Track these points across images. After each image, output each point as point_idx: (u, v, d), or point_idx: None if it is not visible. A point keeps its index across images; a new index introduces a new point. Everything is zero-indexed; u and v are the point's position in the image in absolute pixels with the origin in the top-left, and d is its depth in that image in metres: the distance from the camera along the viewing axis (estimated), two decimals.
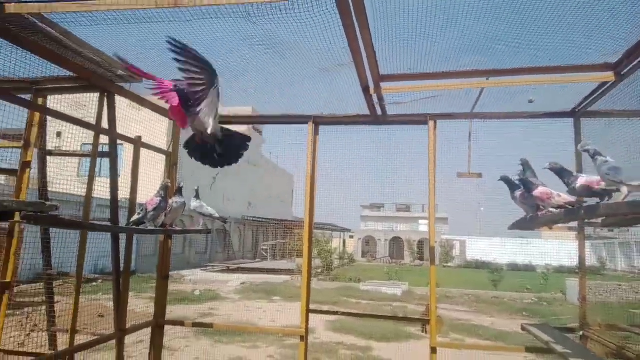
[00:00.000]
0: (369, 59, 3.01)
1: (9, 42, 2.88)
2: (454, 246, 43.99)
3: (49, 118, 3.91)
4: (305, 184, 4.41)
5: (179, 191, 3.91)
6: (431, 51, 3.05)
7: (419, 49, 3.00)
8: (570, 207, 2.59)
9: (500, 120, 4.38)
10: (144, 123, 4.97)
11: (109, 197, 3.88)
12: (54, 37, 2.97)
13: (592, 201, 2.44)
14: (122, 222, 3.92)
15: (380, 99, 3.78)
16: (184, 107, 2.50)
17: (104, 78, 3.64)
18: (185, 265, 26.29)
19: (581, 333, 4.08)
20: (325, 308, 12.21)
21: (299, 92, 4.05)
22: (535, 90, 3.98)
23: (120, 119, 4.03)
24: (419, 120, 4.31)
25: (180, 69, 2.34)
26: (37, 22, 2.75)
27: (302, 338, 4.17)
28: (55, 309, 4.23)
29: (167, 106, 2.65)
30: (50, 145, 4.13)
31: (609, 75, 3.44)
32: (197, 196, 4.18)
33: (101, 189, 4.06)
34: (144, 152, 4.44)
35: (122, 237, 4.03)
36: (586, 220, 3.98)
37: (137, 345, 7.93)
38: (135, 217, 3.52)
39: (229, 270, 25.83)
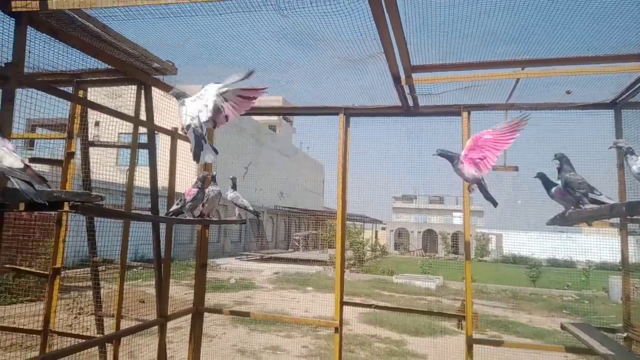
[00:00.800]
0: (400, 50, 2.94)
1: (50, 37, 2.98)
2: (489, 240, 42.94)
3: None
4: (337, 175, 4.39)
5: (213, 180, 3.97)
6: (464, 41, 2.95)
7: (452, 39, 2.90)
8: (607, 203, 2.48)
9: (537, 111, 4.20)
10: (175, 112, 5.05)
11: (146, 186, 3.99)
12: (92, 32, 3.05)
13: None
14: (161, 211, 4.03)
15: (412, 89, 3.71)
16: None
17: (140, 70, 3.73)
18: (220, 253, 26.91)
19: (625, 334, 3.90)
20: (357, 300, 12.24)
21: (330, 83, 4.02)
22: (572, 81, 3.80)
23: (155, 110, 4.12)
24: (452, 111, 4.20)
25: None
26: (76, 16, 2.83)
27: (336, 330, 4.18)
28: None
29: None
30: (89, 135, 4.27)
31: None
32: (233, 187, 4.23)
33: (139, 178, 4.17)
34: (177, 142, 4.53)
35: (162, 226, 4.14)
36: (628, 217, 3.78)
37: (176, 331, 8.21)
38: (174, 207, 3.60)
39: (262, 260, 26.27)
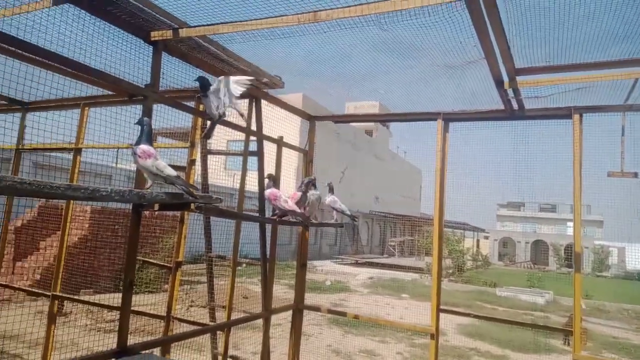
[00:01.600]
0: (502, 54, 2.88)
1: (180, 60, 3.44)
2: (610, 253, 38.34)
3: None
4: (435, 181, 4.37)
5: (313, 185, 4.21)
6: (573, 42, 2.78)
7: (559, 40, 2.76)
8: None
9: None
10: (278, 121, 5.38)
11: (253, 190, 4.35)
12: (212, 53, 3.47)
13: None
14: (267, 213, 4.37)
15: (517, 93, 3.56)
16: None
17: (253, 86, 4.10)
18: (317, 255, 27.71)
19: None
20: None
21: (427, 88, 4.03)
22: None
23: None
24: (562, 114, 3.93)
25: None
26: (201, 41, 3.24)
27: (432, 336, 4.16)
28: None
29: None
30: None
31: None
32: (331, 191, 4.44)
33: (247, 183, 4.56)
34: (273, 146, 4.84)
35: (267, 227, 4.49)
36: None
37: (275, 327, 8.70)
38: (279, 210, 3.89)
39: (357, 264, 26.47)
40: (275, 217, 3.78)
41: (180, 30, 2.97)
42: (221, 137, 5.17)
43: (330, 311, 5.40)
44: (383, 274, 21.37)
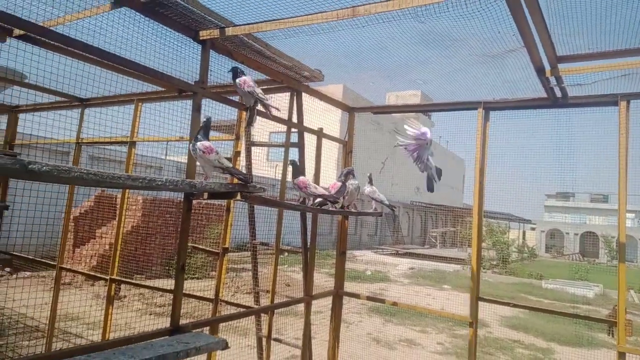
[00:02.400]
0: (543, 42, 2.85)
1: (227, 57, 3.62)
2: None
3: None
4: (475, 171, 4.36)
5: (352, 175, 4.32)
6: (617, 27, 2.71)
7: (603, 26, 2.70)
8: None
9: None
10: (319, 112, 5.49)
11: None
12: (256, 49, 3.63)
13: None
14: (307, 202, 4.53)
15: (559, 80, 3.49)
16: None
17: (294, 79, 4.25)
18: (357, 245, 27.83)
19: None
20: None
21: (466, 78, 4.01)
22: None
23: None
24: (608, 101, 3.81)
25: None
26: (245, 39, 3.41)
27: (470, 324, 4.19)
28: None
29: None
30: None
31: None
32: (370, 182, 4.53)
33: (289, 173, 4.72)
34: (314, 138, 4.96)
35: (308, 215, 4.65)
36: None
37: (316, 314, 8.93)
38: (319, 199, 4.03)
39: (397, 254, 26.38)
40: (316, 206, 3.92)
41: (226, 29, 3.14)
42: (264, 129, 5.35)
43: (369, 298, 5.52)
44: (424, 265, 21.20)
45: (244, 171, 4.69)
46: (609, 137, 3.80)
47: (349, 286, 5.86)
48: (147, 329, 6.50)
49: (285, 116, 4.42)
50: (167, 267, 12.74)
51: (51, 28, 3.07)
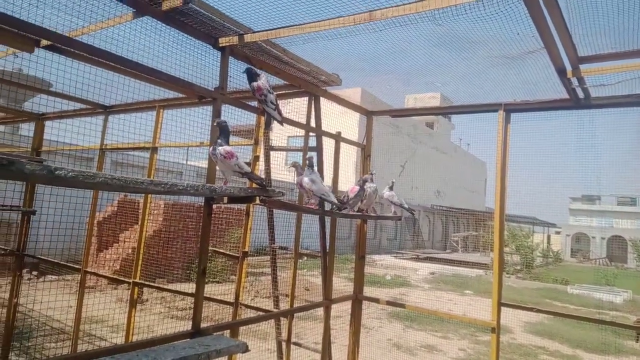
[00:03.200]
0: (564, 42, 2.79)
1: (245, 63, 3.67)
2: None
3: None
4: (496, 174, 4.29)
5: (371, 180, 4.31)
6: None
7: (627, 24, 2.63)
8: None
9: None
10: (337, 115, 5.49)
11: None
12: (274, 55, 3.67)
13: None
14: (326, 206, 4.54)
15: (581, 81, 3.42)
16: None
17: (311, 84, 4.27)
18: (376, 249, 27.67)
19: None
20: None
21: (486, 80, 3.96)
22: None
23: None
24: (632, 101, 3.70)
25: None
26: (264, 45, 3.44)
27: (493, 330, 4.12)
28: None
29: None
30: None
31: None
32: (391, 188, 4.53)
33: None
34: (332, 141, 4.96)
35: (327, 219, 4.65)
36: None
37: (336, 319, 8.88)
38: (338, 203, 4.04)
39: (418, 259, 26.11)
40: (335, 210, 3.92)
41: (245, 35, 3.18)
42: (282, 133, 5.39)
43: (389, 302, 5.48)
44: (445, 270, 20.93)
45: (262, 176, 4.73)
46: (635, 138, 3.70)
47: (368, 291, 5.85)
48: (169, 331, 6.59)
49: (303, 120, 4.45)
50: (188, 271, 12.91)
51: (76, 38, 3.17)
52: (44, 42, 3.11)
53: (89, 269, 6.00)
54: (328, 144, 4.72)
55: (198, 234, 3.37)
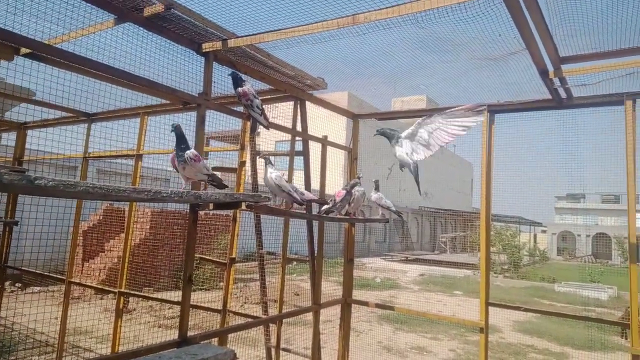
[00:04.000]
0: (545, 43, 2.83)
1: (229, 68, 3.65)
2: None
3: None
4: (481, 174, 4.33)
5: (358, 183, 4.30)
6: (622, 26, 2.69)
7: (606, 25, 2.68)
8: None
9: None
10: (324, 119, 5.48)
11: (300, 189, 4.51)
12: (259, 60, 3.66)
13: None
14: (314, 210, 4.52)
15: (563, 81, 3.48)
16: None
17: (297, 88, 4.27)
18: (365, 252, 27.69)
19: None
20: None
21: (470, 81, 4.01)
22: None
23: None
24: (613, 100, 3.78)
25: None
26: (248, 50, 3.43)
27: (481, 330, 4.14)
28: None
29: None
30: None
31: None
32: (376, 188, 4.52)
33: (294, 181, 4.72)
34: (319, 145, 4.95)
35: (315, 224, 4.64)
36: None
37: (326, 324, 8.86)
38: (325, 207, 4.03)
39: (407, 261, 26.20)
40: (322, 214, 3.91)
41: (228, 40, 3.17)
42: (270, 138, 5.37)
43: (378, 305, 5.48)
44: (434, 271, 21.03)
45: (249, 180, 4.71)
46: (616, 136, 3.77)
47: (358, 294, 5.83)
48: (156, 341, 6.48)
49: (290, 125, 4.44)
50: (175, 279, 12.76)
51: (56, 45, 3.12)
52: (24, 50, 3.05)
53: (73, 280, 5.89)
54: (315, 148, 4.72)
55: (185, 242, 3.33)
